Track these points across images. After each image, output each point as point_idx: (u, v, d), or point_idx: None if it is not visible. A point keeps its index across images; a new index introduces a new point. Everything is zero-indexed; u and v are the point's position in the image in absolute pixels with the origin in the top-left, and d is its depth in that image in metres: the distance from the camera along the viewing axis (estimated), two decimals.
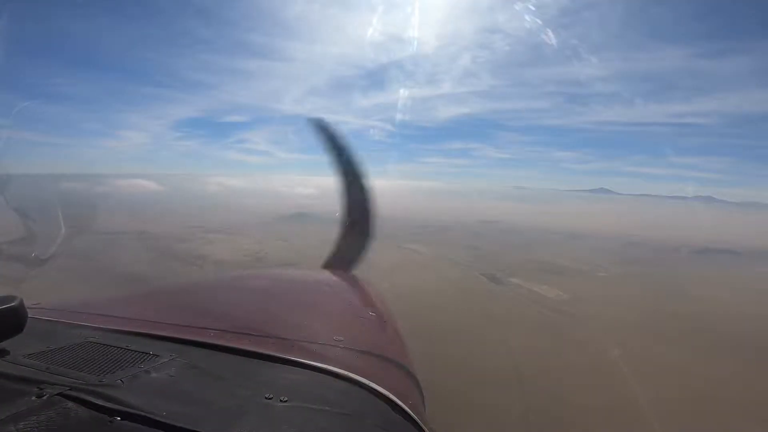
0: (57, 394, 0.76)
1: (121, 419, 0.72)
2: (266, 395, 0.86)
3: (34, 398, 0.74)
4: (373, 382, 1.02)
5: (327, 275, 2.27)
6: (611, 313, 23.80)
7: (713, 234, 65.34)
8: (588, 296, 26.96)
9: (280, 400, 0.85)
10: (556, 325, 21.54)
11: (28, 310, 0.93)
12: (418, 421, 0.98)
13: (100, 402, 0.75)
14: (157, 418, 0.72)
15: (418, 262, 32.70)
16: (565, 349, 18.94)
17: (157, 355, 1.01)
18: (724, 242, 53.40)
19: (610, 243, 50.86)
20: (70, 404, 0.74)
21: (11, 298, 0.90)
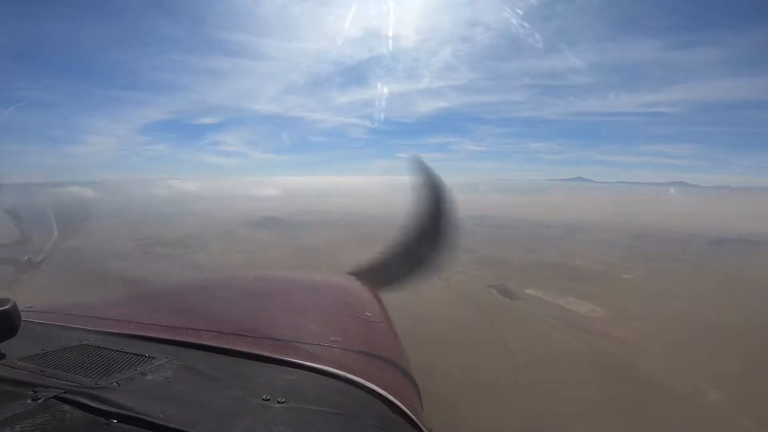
0: (52, 397, 0.76)
1: (117, 422, 0.72)
2: (263, 396, 0.85)
3: (29, 401, 0.74)
4: (371, 382, 1.01)
5: (323, 276, 2.26)
6: (670, 332, 18.26)
7: (715, 221, 61.96)
8: (627, 309, 21.35)
9: (278, 401, 0.84)
10: (610, 358, 15.70)
11: (21, 313, 0.92)
12: (416, 421, 0.97)
13: (95, 405, 0.75)
14: (154, 420, 0.72)
15: None
16: (647, 397, 13.26)
17: (153, 357, 1.00)
18: (735, 230, 49.47)
19: (613, 235, 46.12)
20: (66, 407, 0.74)
21: (4, 301, 0.89)
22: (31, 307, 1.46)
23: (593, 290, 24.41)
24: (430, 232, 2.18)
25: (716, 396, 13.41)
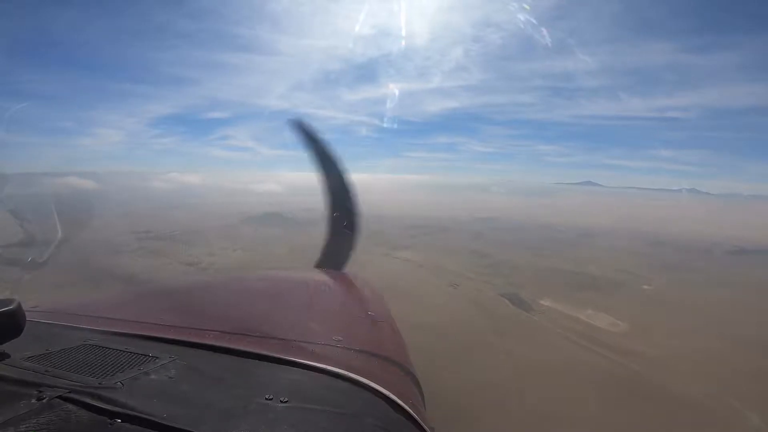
0: (57, 397, 0.77)
1: (121, 421, 0.73)
2: (266, 396, 0.86)
3: (33, 401, 0.75)
4: (373, 381, 1.02)
5: (325, 275, 2.27)
6: (696, 348, 16.67)
7: (731, 229, 59.72)
8: (650, 323, 19.72)
9: (280, 401, 0.85)
10: (636, 376, 14.18)
11: (26, 313, 0.94)
12: (419, 420, 0.97)
13: (99, 404, 0.76)
14: (157, 420, 0.73)
15: (415, 278, 24.95)
16: (680, 420, 11.85)
17: (157, 357, 1.01)
18: (753, 240, 47.46)
19: (628, 242, 44.32)
20: (70, 407, 0.75)
21: (9, 301, 0.90)
22: (36, 307, 1.44)
23: (612, 301, 22.76)
24: (343, 205, 2.23)
25: (759, 420, 11.91)
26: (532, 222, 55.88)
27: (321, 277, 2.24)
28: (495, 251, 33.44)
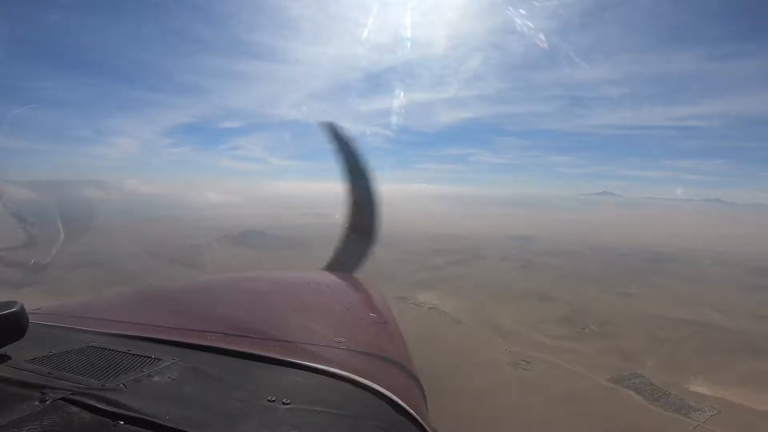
0: (60, 399, 0.78)
1: (124, 423, 0.74)
2: (268, 398, 0.87)
3: (36, 403, 0.77)
4: (375, 383, 1.02)
5: (327, 277, 2.26)
6: None
7: None
8: None
9: (283, 403, 0.86)
10: None
11: (29, 315, 0.95)
12: (421, 422, 0.98)
13: (102, 406, 0.77)
14: (160, 422, 0.74)
15: (450, 346, 15.06)
16: None
17: (159, 359, 1.03)
18: None
19: (721, 268, 33.96)
20: (73, 409, 0.76)
21: (12, 304, 0.92)
22: (39, 309, 1.47)
23: None
24: (361, 209, 2.27)
25: None
26: (577, 242, 45.43)
27: (323, 278, 2.18)
28: (559, 290, 23.24)
